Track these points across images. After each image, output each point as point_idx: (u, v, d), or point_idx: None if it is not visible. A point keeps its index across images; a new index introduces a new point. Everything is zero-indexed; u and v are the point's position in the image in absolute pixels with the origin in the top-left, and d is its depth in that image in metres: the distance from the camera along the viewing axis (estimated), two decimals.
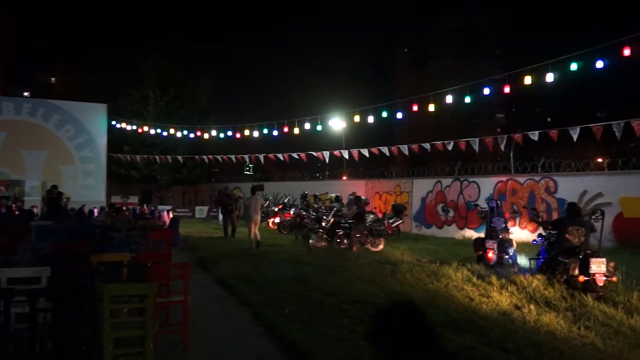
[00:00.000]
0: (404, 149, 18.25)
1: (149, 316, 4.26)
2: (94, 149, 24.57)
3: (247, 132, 21.63)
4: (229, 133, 22.71)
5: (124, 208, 16.05)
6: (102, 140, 24.95)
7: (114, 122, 25.30)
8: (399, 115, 17.55)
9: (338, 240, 13.32)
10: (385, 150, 18.64)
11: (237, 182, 27.40)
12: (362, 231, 13.39)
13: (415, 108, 16.28)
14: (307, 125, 19.29)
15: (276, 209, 18.60)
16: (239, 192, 21.93)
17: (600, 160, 22.17)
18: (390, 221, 15.95)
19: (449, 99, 15.42)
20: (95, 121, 24.75)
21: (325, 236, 13.34)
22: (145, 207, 20.18)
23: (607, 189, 13.11)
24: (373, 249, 13.12)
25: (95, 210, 17.38)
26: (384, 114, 17.29)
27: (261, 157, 23.32)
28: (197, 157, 26.49)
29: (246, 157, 23.96)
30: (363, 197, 16.12)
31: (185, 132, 24.39)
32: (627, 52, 10.89)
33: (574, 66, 12.30)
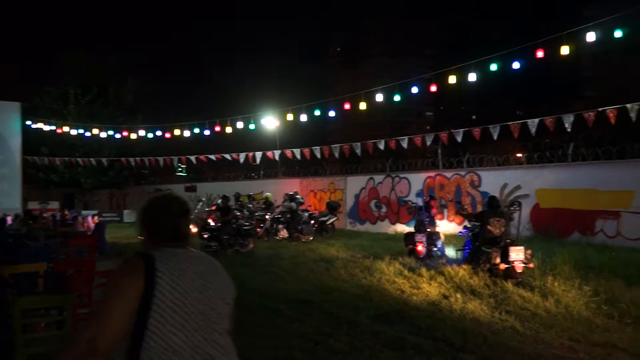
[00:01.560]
0: (336, 149, 18.50)
1: (69, 329, 4.04)
2: (7, 151, 22.73)
3: (177, 132, 21.04)
4: (158, 133, 21.98)
5: (44, 214, 15.08)
6: (15, 141, 23.08)
7: (29, 122, 23.60)
8: (332, 113, 17.78)
9: (207, 243, 12.73)
10: (317, 151, 18.82)
11: (169, 184, 26.62)
12: (230, 232, 12.90)
13: (347, 106, 16.55)
14: (240, 124, 19.08)
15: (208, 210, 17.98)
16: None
17: (519, 155, 23.61)
18: (325, 218, 16.14)
19: (379, 97, 15.80)
20: (7, 121, 22.90)
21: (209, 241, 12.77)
22: (67, 212, 19.10)
23: (525, 182, 13.99)
24: (242, 250, 12.70)
25: (9, 218, 16.18)
26: (317, 113, 17.45)
27: (193, 158, 22.78)
28: (123, 159, 25.41)
29: (175, 158, 23.30)
30: (298, 196, 16.20)
31: (110, 133, 23.30)
32: (540, 54, 11.67)
33: (493, 66, 13.01)
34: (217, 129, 19.84)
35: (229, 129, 19.69)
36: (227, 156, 21.58)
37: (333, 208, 16.62)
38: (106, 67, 30.55)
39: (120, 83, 30.21)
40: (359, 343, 5.49)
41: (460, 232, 10.79)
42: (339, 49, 74.71)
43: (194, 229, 13.06)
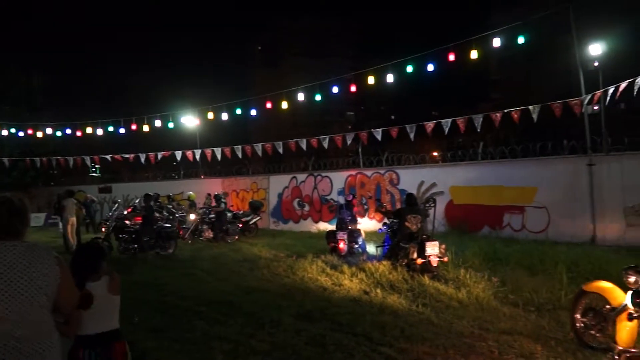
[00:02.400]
0: (258, 148, 18.35)
1: None
2: None
3: (89, 130, 19.84)
4: (68, 131, 20.60)
5: None
6: None
7: None
8: (254, 112, 17.62)
9: (125, 246, 12.31)
10: (238, 150, 18.55)
11: (82, 185, 25.03)
12: (151, 234, 12.46)
13: (269, 105, 16.47)
14: (158, 123, 18.36)
15: (125, 212, 16.98)
16: (84, 196, 20.06)
17: (435, 154, 24.77)
18: (248, 218, 15.96)
19: (301, 96, 15.88)
20: None
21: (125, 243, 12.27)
22: None
23: (440, 180, 14.67)
24: (163, 253, 12.36)
25: None
26: (238, 111, 17.20)
27: (107, 157, 21.59)
28: (28, 158, 23.55)
29: (88, 158, 21.95)
30: (222, 195, 15.86)
31: (12, 130, 21.48)
32: (451, 57, 12.30)
33: (409, 68, 13.53)
34: (134, 127, 18.97)
35: (146, 128, 18.89)
36: (143, 156, 20.67)
37: (256, 208, 16.47)
38: (9, 62, 28.19)
39: (26, 79, 28.00)
40: (281, 342, 5.47)
41: (380, 229, 11.10)
42: (259, 48, 74.15)
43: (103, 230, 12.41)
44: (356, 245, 11.19)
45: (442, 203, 14.07)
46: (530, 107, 12.91)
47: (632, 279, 4.61)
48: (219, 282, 8.88)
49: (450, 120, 14.15)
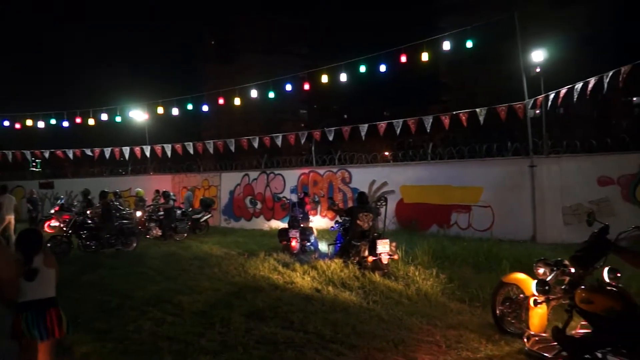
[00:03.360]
0: (210, 145, 18.04)
1: None
2: None
3: (29, 123, 18.87)
4: (6, 123, 19.50)
5: None
6: None
7: None
8: (205, 108, 17.31)
9: (85, 243, 12.03)
10: (189, 147, 18.17)
11: (21, 180, 23.78)
12: (111, 231, 12.24)
13: (221, 101, 16.22)
14: (104, 116, 17.69)
15: (52, 211, 15.78)
16: (29, 191, 19.06)
17: (387, 153, 25.19)
18: (199, 216, 15.66)
19: (254, 93, 15.74)
20: None
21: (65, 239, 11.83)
22: None
23: (391, 179, 14.93)
24: (126, 250, 12.20)
25: None
26: (190, 107, 16.84)
27: (49, 152, 20.61)
28: None
29: (27, 152, 20.87)
30: (171, 193, 15.48)
31: None
32: (403, 59, 12.54)
33: (362, 68, 13.70)
34: (78, 120, 18.19)
35: (91, 121, 18.17)
36: (88, 151, 19.87)
37: (207, 205, 16.19)
38: None
39: None
40: (232, 341, 5.41)
41: (332, 227, 11.17)
42: (212, 42, 72.90)
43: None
44: (308, 243, 11.21)
45: (393, 202, 14.32)
46: (478, 110, 13.36)
47: (541, 270, 5.09)
48: (167, 281, 8.67)
49: (401, 120, 14.43)
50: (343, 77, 14.20)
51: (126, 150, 19.59)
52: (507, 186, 12.79)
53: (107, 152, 19.84)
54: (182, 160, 20.27)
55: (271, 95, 16.06)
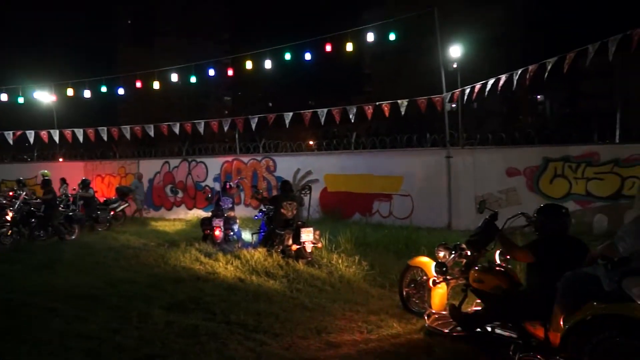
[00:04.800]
0: (126, 130, 17.11)
1: None
2: None
3: None
4: None
5: None
6: None
7: None
8: (121, 91, 16.38)
9: (35, 233, 11.67)
10: (104, 132, 17.12)
11: None
12: (58, 218, 12.05)
13: (138, 85, 15.43)
14: (4, 97, 16.21)
15: None
16: None
17: (312, 142, 25.33)
18: (115, 205, 14.85)
19: (174, 77, 15.13)
20: None
21: (10, 230, 11.18)
22: None
23: (315, 167, 15.00)
24: (70, 238, 11.98)
25: None
26: (104, 89, 15.86)
27: None
28: None
29: None
30: (88, 180, 14.51)
31: None
32: (328, 48, 12.60)
33: (288, 56, 13.60)
34: None
35: None
36: None
37: (123, 194, 15.38)
38: None
39: None
40: (150, 336, 5.18)
41: (256, 216, 11.05)
42: (129, 22, 69.18)
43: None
44: (232, 233, 11.03)
45: (317, 190, 14.42)
46: (399, 101, 13.75)
47: (441, 253, 5.52)
48: (79, 275, 8.15)
49: (325, 110, 14.52)
50: (268, 64, 14.02)
51: (30, 134, 18.08)
52: (425, 176, 13.30)
53: (9, 136, 18.20)
54: (96, 147, 19.06)
55: (193, 80, 15.51)
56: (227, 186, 11.46)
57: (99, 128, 17.26)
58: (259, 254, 8.81)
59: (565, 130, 12.40)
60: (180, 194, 17.26)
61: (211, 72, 15.63)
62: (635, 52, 9.86)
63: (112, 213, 14.32)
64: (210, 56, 19.64)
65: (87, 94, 15.92)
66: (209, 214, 11.55)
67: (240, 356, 4.73)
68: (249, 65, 14.30)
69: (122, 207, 15.05)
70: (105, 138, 17.39)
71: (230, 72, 15.17)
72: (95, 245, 11.06)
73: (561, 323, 3.85)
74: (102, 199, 15.30)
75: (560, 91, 45.78)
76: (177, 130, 16.63)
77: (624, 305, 3.46)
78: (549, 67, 10.49)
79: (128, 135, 17.26)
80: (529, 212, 5.09)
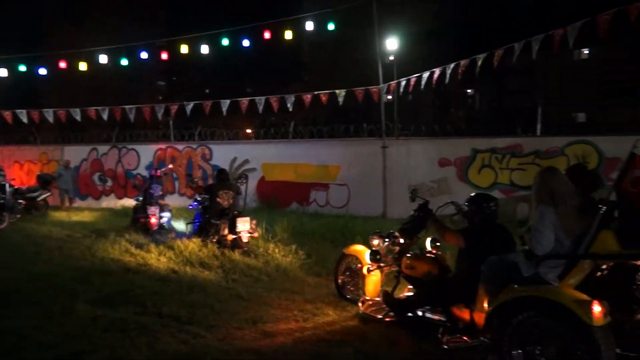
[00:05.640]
0: (49, 114, 16.02)
1: None
2: None
3: None
4: None
5: None
6: None
7: None
8: (43, 71, 15.29)
9: None
10: (23, 115, 15.93)
11: None
12: None
13: (63, 65, 14.49)
14: None
15: None
16: None
17: (249, 130, 24.99)
18: (35, 194, 13.96)
19: (104, 59, 14.35)
20: None
21: None
22: None
23: (252, 156, 14.84)
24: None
25: None
26: (22, 68, 14.75)
27: None
28: None
29: None
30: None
31: None
32: (267, 35, 12.43)
33: (225, 41, 13.29)
34: None
35: None
36: None
37: (46, 182, 14.47)
38: None
39: None
40: (74, 331, 4.93)
41: (190, 205, 10.78)
42: None
43: None
44: (166, 220, 10.75)
45: (255, 179, 14.30)
46: (337, 91, 13.85)
47: (375, 241, 5.65)
48: None
49: (263, 98, 14.36)
50: (205, 49, 13.63)
51: None
52: (362, 165, 13.52)
53: None
54: (14, 131, 17.77)
55: (124, 62, 14.80)
56: (157, 173, 11.13)
57: (18, 111, 16.07)
58: (194, 244, 8.60)
59: (492, 123, 13.02)
60: (109, 183, 16.51)
61: (144, 55, 14.97)
62: (554, 51, 10.49)
63: (23, 202, 13.33)
64: (144, 38, 18.75)
65: (2, 72, 14.76)
66: (140, 203, 11.14)
67: (173, 349, 4.61)
68: (184, 49, 13.84)
69: (43, 196, 14.18)
70: (25, 121, 16.21)
71: (164, 56, 14.57)
72: (12, 237, 10.35)
73: (485, 306, 4.05)
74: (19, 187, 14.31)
75: (489, 86, 48.06)
76: (105, 115, 15.82)
77: (540, 287, 3.70)
78: (479, 63, 10.94)
79: (51, 119, 16.18)
80: (459, 200, 5.32)
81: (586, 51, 48.62)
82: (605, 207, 3.65)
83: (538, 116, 11.88)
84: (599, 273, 3.78)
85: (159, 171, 11.30)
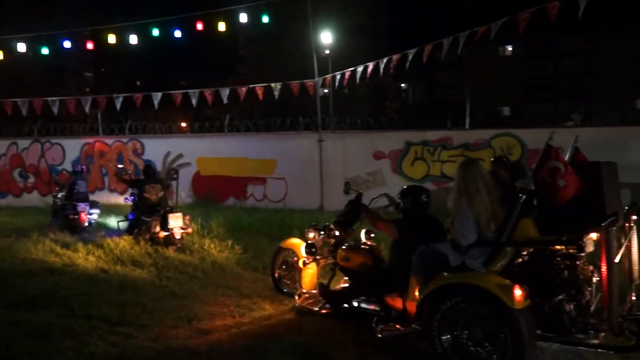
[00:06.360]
0: None
1: None
2: None
3: None
4: None
5: None
6: None
7: None
8: None
9: None
10: None
11: None
12: None
13: None
14: None
15: None
16: None
17: (184, 124, 24.32)
18: None
19: (22, 47, 13.42)
20: None
21: None
22: None
23: (187, 151, 14.45)
24: None
25: None
26: None
27: None
28: None
29: None
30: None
31: None
32: (200, 26, 12.12)
33: (156, 31, 12.83)
34: None
35: None
36: None
37: None
38: None
39: None
40: None
41: (126, 199, 10.33)
42: None
43: None
44: (94, 216, 10.30)
45: (190, 174, 13.98)
46: (273, 85, 13.77)
47: (311, 234, 5.68)
48: None
49: (197, 91, 14.02)
50: (134, 39, 13.07)
51: None
52: (299, 159, 13.55)
53: None
54: None
55: (45, 51, 13.92)
56: (80, 169, 10.66)
57: None
58: (125, 242, 8.25)
59: (424, 117, 13.46)
60: (31, 179, 15.52)
61: (67, 44, 14.17)
62: (480, 47, 10.99)
63: None
64: (69, 26, 17.69)
65: None
66: (66, 200, 10.57)
67: (102, 352, 4.41)
68: (112, 39, 13.21)
69: None
70: None
71: (90, 46, 13.85)
72: None
73: (416, 294, 4.20)
74: None
75: (421, 80, 49.62)
76: (25, 109, 14.81)
77: (467, 274, 3.88)
78: (410, 57, 11.25)
79: None
80: (393, 192, 5.45)
81: (510, 48, 51.38)
82: (524, 196, 3.86)
83: (467, 110, 12.41)
84: (520, 259, 4.01)
85: (80, 166, 10.82)
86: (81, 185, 10.38)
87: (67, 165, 14.89)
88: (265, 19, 12.86)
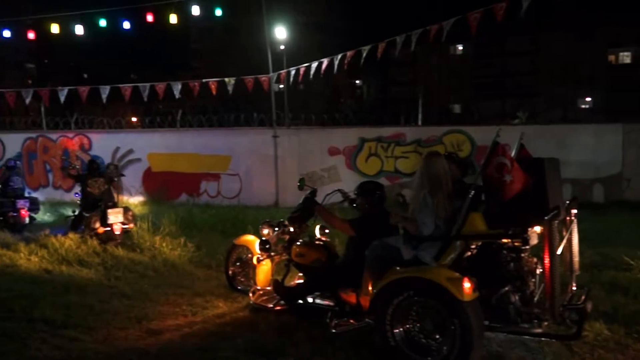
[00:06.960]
0: None
1: None
2: None
3: None
4: None
5: None
6: None
7: None
8: None
9: None
10: None
11: None
12: None
13: None
14: None
15: None
16: None
17: (134, 119, 23.59)
18: None
19: None
20: None
21: None
22: None
23: (137, 146, 14.02)
24: None
25: None
26: None
27: None
28: None
29: None
30: None
31: None
32: (150, 18, 11.77)
33: (103, 22, 12.36)
34: None
35: None
36: None
37: None
38: None
39: None
40: None
41: (76, 193, 9.91)
42: None
43: None
44: (35, 215, 9.84)
45: (140, 170, 13.59)
46: (226, 79, 13.56)
47: (265, 231, 5.62)
48: None
49: (148, 85, 13.62)
50: (79, 29, 12.54)
51: None
52: (253, 155, 13.42)
53: None
54: None
55: None
56: (13, 164, 10.20)
57: None
58: (71, 240, 7.92)
59: (378, 113, 13.64)
60: None
61: (6, 34, 13.44)
62: (433, 46, 11.23)
63: None
64: (8, 15, 16.75)
65: None
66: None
67: (45, 356, 4.21)
68: (55, 29, 12.62)
69: None
70: None
71: (31, 35, 13.16)
72: None
73: (370, 289, 4.24)
74: None
75: (376, 77, 50.24)
76: None
77: (419, 268, 3.95)
78: (364, 54, 11.35)
79: None
80: (348, 188, 5.48)
81: (460, 47, 52.83)
82: (473, 191, 3.97)
83: (419, 107, 12.66)
84: (469, 253, 4.12)
85: (13, 162, 10.35)
86: (16, 181, 9.93)
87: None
88: (218, 12, 12.64)
